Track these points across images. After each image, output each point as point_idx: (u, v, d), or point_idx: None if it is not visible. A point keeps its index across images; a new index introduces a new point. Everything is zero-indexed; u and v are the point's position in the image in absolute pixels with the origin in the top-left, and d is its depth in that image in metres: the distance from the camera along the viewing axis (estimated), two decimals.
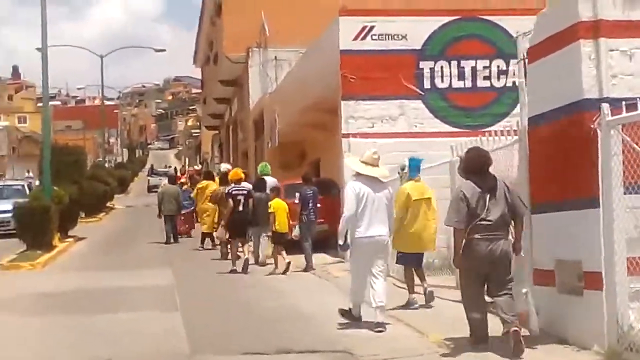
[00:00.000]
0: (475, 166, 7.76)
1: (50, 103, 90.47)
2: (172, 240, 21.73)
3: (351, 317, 9.15)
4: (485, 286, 7.70)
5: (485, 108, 16.64)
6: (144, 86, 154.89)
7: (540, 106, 8.17)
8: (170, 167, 70.92)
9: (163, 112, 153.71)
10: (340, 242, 8.99)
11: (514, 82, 16.69)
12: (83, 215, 30.79)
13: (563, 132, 7.68)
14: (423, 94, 16.62)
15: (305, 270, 15.16)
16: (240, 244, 15.64)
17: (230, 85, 35.32)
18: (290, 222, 15.30)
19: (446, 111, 16.66)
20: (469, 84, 16.72)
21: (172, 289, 12.88)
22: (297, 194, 15.58)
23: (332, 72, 17.27)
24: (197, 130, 74.24)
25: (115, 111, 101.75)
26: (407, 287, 10.43)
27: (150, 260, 17.97)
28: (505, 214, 7.61)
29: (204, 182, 20.62)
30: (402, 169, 10.45)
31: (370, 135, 16.45)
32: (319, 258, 16.91)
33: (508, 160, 8.93)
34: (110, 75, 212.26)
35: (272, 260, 15.17)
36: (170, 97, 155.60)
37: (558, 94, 7.76)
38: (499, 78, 16.75)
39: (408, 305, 10.18)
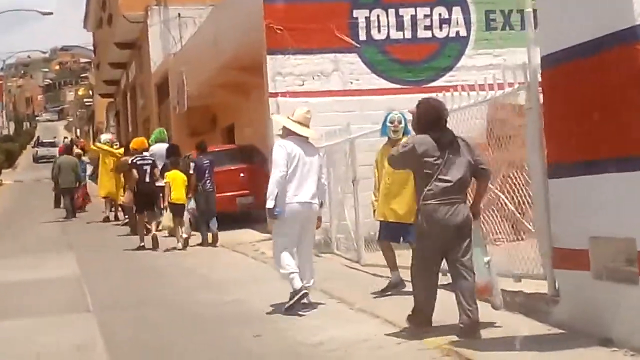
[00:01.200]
0: (429, 119, 6.63)
1: None
2: (71, 215, 20.20)
3: (295, 293, 7.67)
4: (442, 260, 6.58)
5: (427, 61, 14.93)
6: (29, 56, 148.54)
7: (560, 41, 6.38)
8: (55, 138, 71.26)
9: (51, 82, 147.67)
10: (270, 204, 7.67)
11: (457, 32, 15.21)
12: None
13: (601, 71, 5.94)
14: (359, 46, 14.74)
15: (200, 244, 14.20)
16: (147, 219, 14.46)
17: (127, 48, 32.59)
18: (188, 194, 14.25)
19: (384, 65, 14.86)
20: (408, 34, 14.94)
21: (79, 281, 10.68)
22: (192, 164, 14.42)
23: (254, 24, 15.21)
24: (90, 100, 70.41)
25: (0, 82, 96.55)
26: (388, 266, 8.51)
27: (48, 243, 15.65)
28: (466, 174, 6.47)
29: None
30: (400, 122, 8.46)
31: (300, 94, 14.53)
32: (246, 235, 15.01)
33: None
34: None
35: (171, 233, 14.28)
36: (57, 67, 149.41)
37: (590, 24, 6.00)
38: (441, 27, 15.03)
39: (393, 287, 8.31)
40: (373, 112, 14.01)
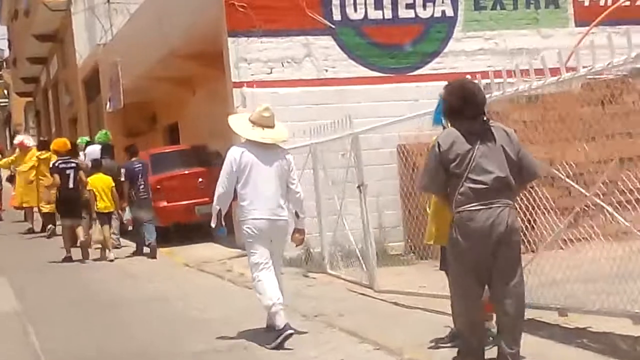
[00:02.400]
0: (458, 106, 5.25)
1: None
2: None
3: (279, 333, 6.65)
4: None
5: (411, 45, 13.07)
6: None
7: None
8: None
9: None
10: (213, 224, 7.09)
11: (443, 12, 13.41)
12: None
13: None
14: (333, 27, 12.80)
15: (134, 254, 13.24)
16: (73, 227, 13.20)
17: (48, 41, 29.77)
18: (117, 200, 13.27)
19: (363, 50, 12.95)
20: (388, 14, 13.05)
21: (21, 321, 8.43)
22: (122, 170, 13.34)
23: (211, 1, 13.14)
24: (5, 100, 66.45)
25: None
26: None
27: None
28: (506, 171, 5.13)
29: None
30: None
31: (268, 83, 12.56)
32: (210, 250, 12.97)
33: None
34: None
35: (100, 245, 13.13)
36: None
37: None
38: (424, 6, 13.17)
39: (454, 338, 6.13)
40: (352, 104, 12.32)
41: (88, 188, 12.94)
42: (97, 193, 13.00)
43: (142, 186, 13.25)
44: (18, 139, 19.46)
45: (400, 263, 10.74)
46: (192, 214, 14.04)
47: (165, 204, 14.02)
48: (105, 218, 13.12)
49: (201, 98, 17.81)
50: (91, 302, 9.33)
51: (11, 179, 20.27)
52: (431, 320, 6.73)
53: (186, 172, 14.34)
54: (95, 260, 12.82)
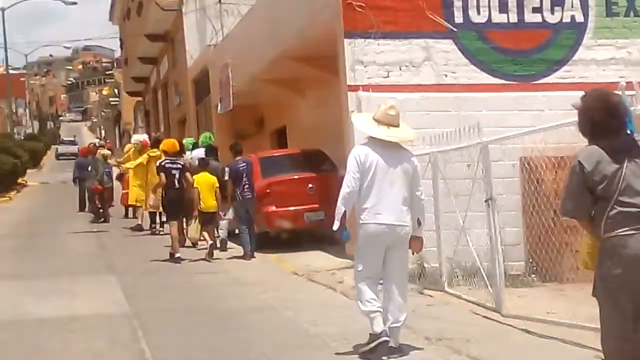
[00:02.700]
0: (599, 120, 4.62)
1: None
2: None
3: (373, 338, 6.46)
4: None
5: (537, 51, 12.36)
6: (51, 55, 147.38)
7: None
8: (75, 136, 76.34)
9: (73, 81, 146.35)
10: (335, 227, 6.65)
11: (572, 17, 12.65)
12: None
13: None
14: (455, 30, 12.24)
15: (243, 257, 13.05)
16: (179, 226, 13.30)
17: (159, 41, 30.24)
18: (220, 201, 13.38)
19: (486, 55, 12.32)
20: (514, 17, 12.40)
21: (131, 324, 8.24)
22: (227, 169, 13.30)
23: (328, 0, 12.77)
24: (115, 99, 68.17)
25: (22, 79, 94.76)
26: None
27: (82, 261, 13.35)
28: None
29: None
30: None
31: (385, 87, 12.06)
32: (319, 259, 12.60)
33: None
34: (14, 47, 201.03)
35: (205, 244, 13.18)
36: (80, 67, 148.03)
37: None
38: (552, 10, 12.45)
39: None
40: (472, 112, 11.70)
41: (194, 186, 12.93)
42: (201, 192, 13.02)
43: (246, 185, 13.13)
44: (138, 138, 19.30)
45: (521, 284, 10.08)
46: (301, 220, 13.72)
47: (274, 208, 13.75)
48: (207, 217, 13.11)
49: (311, 102, 17.53)
50: (202, 310, 9.04)
51: (120, 177, 20.65)
52: (574, 355, 6.11)
53: (296, 177, 14.01)
54: (198, 260, 12.81)
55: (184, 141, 17.86)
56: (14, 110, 73.39)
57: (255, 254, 13.46)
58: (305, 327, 7.98)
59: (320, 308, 9.03)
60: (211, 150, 15.40)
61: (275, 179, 13.94)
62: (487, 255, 8.79)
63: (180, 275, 11.78)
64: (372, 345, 6.36)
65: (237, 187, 13.12)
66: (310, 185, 13.76)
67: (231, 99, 19.68)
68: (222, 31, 22.87)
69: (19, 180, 33.35)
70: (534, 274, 10.37)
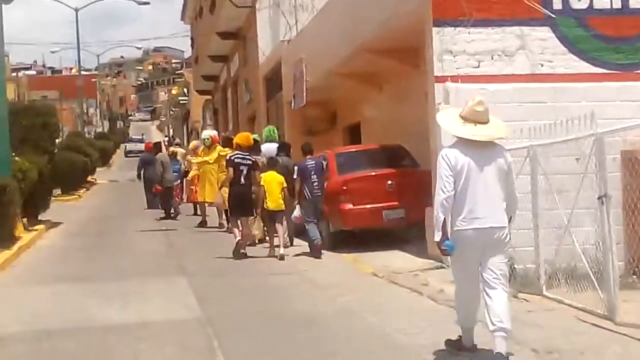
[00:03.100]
0: None
1: (25, 73, 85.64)
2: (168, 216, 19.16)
3: (461, 348, 6.36)
4: None
5: None
6: (122, 56, 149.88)
7: None
8: (143, 134, 77.48)
9: (143, 81, 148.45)
10: (437, 237, 6.09)
11: None
12: (59, 192, 25.76)
13: None
14: (554, 16, 11.29)
15: (312, 254, 12.54)
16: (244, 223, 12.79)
17: (230, 39, 29.78)
18: (287, 199, 12.89)
19: (586, 43, 11.36)
20: (617, 3, 11.41)
21: (205, 331, 7.54)
22: (295, 168, 13.00)
23: None
24: (184, 98, 68.42)
25: (94, 80, 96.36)
26: None
27: (151, 262, 12.74)
28: None
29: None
30: None
31: (476, 78, 11.20)
32: (399, 259, 11.81)
33: None
34: (87, 48, 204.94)
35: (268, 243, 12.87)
36: (150, 68, 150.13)
37: None
38: None
39: None
40: (570, 103, 10.80)
41: (260, 184, 12.52)
42: (267, 191, 12.59)
43: (315, 183, 12.79)
44: (208, 134, 18.77)
45: (622, 287, 9.11)
46: (380, 218, 12.93)
47: (350, 206, 12.97)
48: (275, 215, 12.67)
49: (389, 96, 16.73)
50: (278, 314, 8.32)
51: (185, 175, 20.39)
52: None
53: (374, 173, 13.20)
54: (263, 257, 12.50)
55: (255, 136, 17.21)
56: (85, 110, 74.48)
57: (330, 253, 12.82)
58: (393, 336, 7.21)
59: (407, 314, 8.22)
60: (283, 147, 14.73)
61: (353, 176, 13.17)
62: (593, 256, 7.92)
63: (253, 277, 11.11)
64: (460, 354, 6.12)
65: (305, 185, 12.75)
66: (389, 182, 12.95)
67: (305, 94, 19.01)
68: (296, 26, 22.22)
69: (89, 178, 33.29)
70: (635, 275, 9.42)
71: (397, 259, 11.99)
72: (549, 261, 8.98)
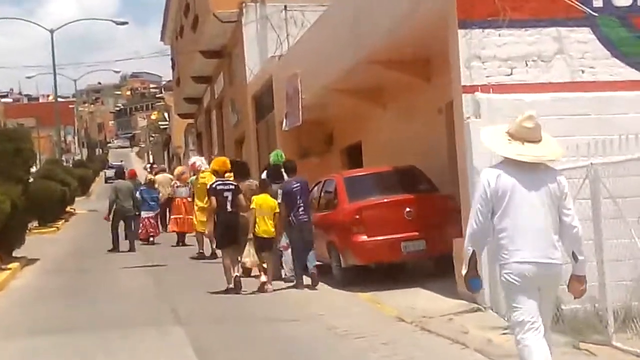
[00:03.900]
0: None
1: (1, 100, 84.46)
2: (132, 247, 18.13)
3: None
4: None
5: None
6: (99, 82, 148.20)
7: None
8: (122, 161, 78.31)
9: (122, 107, 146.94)
10: (463, 270, 5.44)
11: None
12: (36, 223, 24.10)
13: None
14: (595, 14, 9.91)
15: (295, 286, 11.74)
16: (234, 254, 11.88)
17: (214, 57, 28.31)
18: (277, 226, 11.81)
19: (632, 45, 9.97)
20: None
21: None
22: (279, 191, 11.97)
23: None
24: (165, 123, 66.83)
25: (71, 106, 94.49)
26: None
27: (140, 306, 11.12)
28: None
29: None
30: None
31: (509, 87, 9.78)
32: (423, 299, 10.34)
33: None
34: (63, 73, 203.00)
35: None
36: (128, 93, 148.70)
37: None
38: None
39: None
40: (616, 115, 9.42)
41: (251, 206, 11.67)
42: (258, 216, 11.61)
43: (301, 208, 11.80)
44: (190, 161, 17.73)
45: None
46: (398, 251, 11.43)
47: (364, 238, 11.46)
48: (264, 243, 11.72)
49: (396, 112, 15.30)
50: None
51: (169, 203, 19.82)
52: None
53: (391, 199, 11.70)
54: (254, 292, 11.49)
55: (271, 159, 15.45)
56: (63, 138, 72.64)
57: (344, 292, 11.43)
58: None
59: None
60: (276, 171, 13.32)
61: (366, 203, 11.68)
62: None
63: (261, 324, 9.60)
64: None
65: (291, 210, 11.73)
66: (407, 209, 11.45)
67: (300, 112, 17.56)
68: (287, 41, 20.81)
69: (68, 209, 31.59)
70: None
71: (420, 299, 10.50)
72: (619, 301, 7.52)
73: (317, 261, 11.97)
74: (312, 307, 10.48)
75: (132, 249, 18.04)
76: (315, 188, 13.49)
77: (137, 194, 19.54)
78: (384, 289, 11.28)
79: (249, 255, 12.27)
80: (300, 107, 17.50)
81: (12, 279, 14.21)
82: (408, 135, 14.49)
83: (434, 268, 11.74)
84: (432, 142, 13.42)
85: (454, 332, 8.48)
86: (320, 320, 9.64)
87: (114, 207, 18.16)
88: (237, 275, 11.59)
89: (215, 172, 12.49)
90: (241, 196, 11.83)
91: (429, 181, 12.16)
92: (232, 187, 11.89)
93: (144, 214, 19.53)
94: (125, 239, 18.31)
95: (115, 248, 18.09)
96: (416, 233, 11.38)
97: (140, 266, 15.66)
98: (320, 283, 12.22)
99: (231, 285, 11.45)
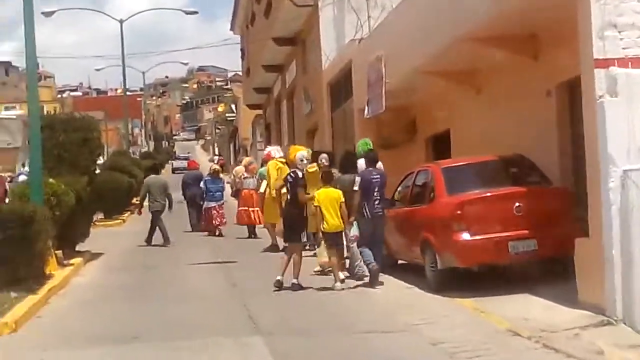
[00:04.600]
0: None
1: (72, 94, 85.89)
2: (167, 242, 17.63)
3: None
4: None
5: None
6: (167, 77, 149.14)
7: None
8: (189, 153, 79.67)
9: (189, 100, 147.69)
10: None
11: None
12: (101, 216, 23.31)
13: None
14: None
15: (367, 284, 10.93)
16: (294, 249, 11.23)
17: (287, 44, 27.05)
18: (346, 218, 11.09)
19: None
20: None
21: None
22: (357, 179, 11.31)
23: None
24: (232, 114, 66.08)
25: (139, 99, 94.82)
26: None
27: (210, 309, 9.91)
28: None
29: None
30: None
31: None
32: (532, 306, 9.01)
33: None
34: (133, 67, 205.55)
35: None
36: (195, 86, 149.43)
37: None
38: None
39: None
40: None
41: (315, 204, 11.04)
42: (324, 211, 10.93)
43: (377, 201, 11.20)
44: (266, 151, 17.36)
45: None
46: (505, 252, 9.93)
47: (467, 237, 10.00)
48: (333, 238, 11.09)
49: (493, 97, 13.74)
50: None
51: (236, 194, 19.27)
52: None
53: (498, 192, 10.22)
54: (322, 289, 10.79)
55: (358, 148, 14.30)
56: (130, 130, 72.62)
57: (440, 298, 10.05)
58: None
59: None
60: (349, 159, 12.62)
61: (470, 196, 10.21)
62: None
63: (348, 334, 8.32)
64: None
65: (366, 200, 11.09)
66: (517, 204, 9.95)
67: (383, 98, 16.13)
68: (368, 23, 19.38)
69: (134, 201, 30.78)
70: None
71: (533, 308, 9.03)
72: None
73: (403, 260, 11.21)
74: (404, 315, 9.16)
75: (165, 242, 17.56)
76: (406, 180, 12.13)
77: (202, 184, 19.85)
78: (486, 294, 9.82)
79: (322, 254, 11.52)
80: (384, 92, 16.08)
81: (75, 276, 13.19)
82: (507, 122, 12.96)
83: (544, 271, 10.24)
84: (539, 130, 11.89)
85: (584, 351, 7.09)
86: (419, 332, 8.29)
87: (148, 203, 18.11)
88: (295, 282, 10.92)
89: (291, 162, 11.99)
90: (299, 188, 11.23)
91: (540, 172, 10.66)
92: (291, 178, 11.43)
93: (208, 204, 19.27)
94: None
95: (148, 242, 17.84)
96: (526, 231, 9.89)
97: (209, 263, 14.53)
98: (409, 286, 10.95)
99: (295, 281, 10.83)
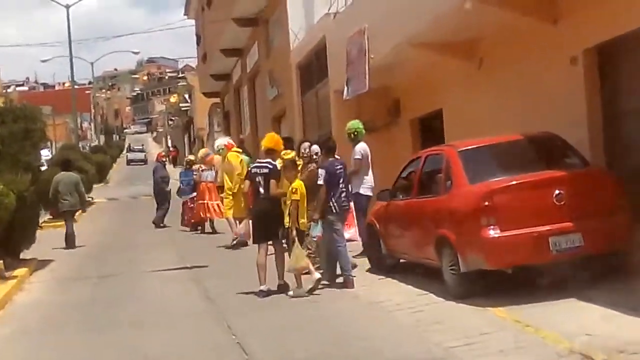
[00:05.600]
0: None
1: (18, 89, 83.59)
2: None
3: None
4: None
5: None
6: (116, 69, 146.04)
7: None
8: (143, 145, 78.82)
9: (139, 92, 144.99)
10: None
11: None
12: (49, 216, 21.18)
13: None
14: None
15: (344, 285, 9.87)
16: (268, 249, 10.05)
17: (249, 25, 25.12)
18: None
19: None
20: None
21: None
22: (322, 172, 10.26)
23: None
24: (186, 104, 63.76)
25: (87, 92, 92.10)
26: None
27: (194, 338, 7.96)
28: None
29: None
30: None
31: None
32: (586, 315, 7.37)
33: None
34: (81, 58, 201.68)
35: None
36: (145, 78, 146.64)
37: None
38: None
39: None
40: None
41: (294, 197, 10.07)
42: (300, 204, 10.11)
43: (343, 193, 10.27)
44: (223, 141, 15.86)
45: None
46: (545, 249, 8.13)
47: (497, 232, 8.19)
48: (303, 236, 10.29)
49: (499, 69, 12.00)
50: None
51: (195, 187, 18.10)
52: None
53: (534, 178, 8.42)
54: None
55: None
56: (79, 124, 70.00)
57: (466, 307, 8.24)
58: None
59: None
60: (327, 145, 11.03)
61: (499, 184, 8.39)
62: None
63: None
64: None
65: (332, 194, 10.04)
66: (557, 192, 8.19)
67: (367, 77, 14.32)
68: None
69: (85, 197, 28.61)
70: None
71: (588, 318, 7.27)
72: None
73: (409, 260, 9.95)
74: (432, 333, 7.36)
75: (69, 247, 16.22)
76: (410, 167, 10.35)
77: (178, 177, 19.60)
78: (520, 301, 8.04)
79: (297, 254, 9.94)
80: (367, 69, 14.28)
81: (18, 291, 11.18)
82: (520, 97, 11.26)
83: (588, 270, 8.50)
84: (560, 104, 10.21)
85: None
86: (452, 355, 6.49)
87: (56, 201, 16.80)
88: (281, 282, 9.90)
89: (270, 152, 10.42)
90: (273, 181, 10.02)
91: (578, 153, 8.92)
92: (266, 170, 10.12)
93: (185, 198, 18.52)
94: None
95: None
96: (570, 224, 8.12)
97: (176, 268, 12.62)
98: (422, 292, 9.21)
99: (262, 288, 9.64)
